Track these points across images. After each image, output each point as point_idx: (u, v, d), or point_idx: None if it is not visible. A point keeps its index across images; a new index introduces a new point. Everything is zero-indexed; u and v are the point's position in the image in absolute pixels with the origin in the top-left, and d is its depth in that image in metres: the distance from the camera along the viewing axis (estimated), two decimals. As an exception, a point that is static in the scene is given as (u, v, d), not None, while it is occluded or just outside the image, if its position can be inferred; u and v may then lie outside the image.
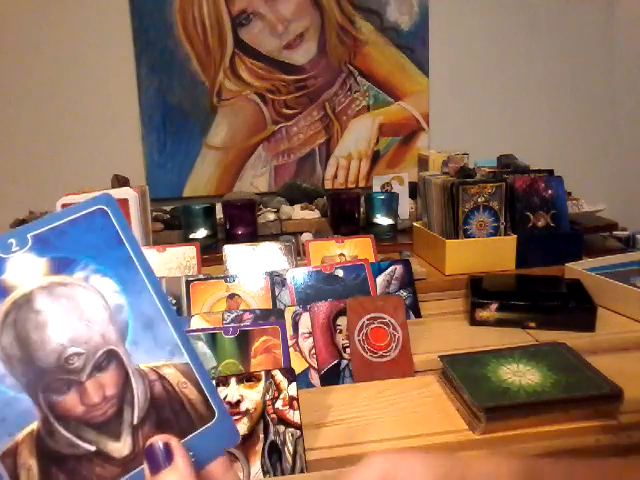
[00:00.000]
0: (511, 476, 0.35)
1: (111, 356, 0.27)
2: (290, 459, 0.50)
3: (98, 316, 0.27)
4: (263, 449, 0.51)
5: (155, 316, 0.28)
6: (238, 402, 0.52)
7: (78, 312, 0.27)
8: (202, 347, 0.61)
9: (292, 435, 0.51)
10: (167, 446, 0.25)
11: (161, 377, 0.27)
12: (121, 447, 0.26)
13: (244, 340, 0.62)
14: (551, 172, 1.07)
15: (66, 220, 0.28)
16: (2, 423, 0.24)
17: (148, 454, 0.25)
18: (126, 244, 0.28)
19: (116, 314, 0.27)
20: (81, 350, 0.27)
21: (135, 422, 0.26)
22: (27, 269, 0.26)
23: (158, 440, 0.25)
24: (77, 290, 0.27)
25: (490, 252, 0.95)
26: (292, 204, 1.44)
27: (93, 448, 0.25)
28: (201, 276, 0.80)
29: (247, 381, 0.53)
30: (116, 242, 0.28)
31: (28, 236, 0.27)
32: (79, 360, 0.27)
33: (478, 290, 0.82)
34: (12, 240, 0.27)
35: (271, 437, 0.51)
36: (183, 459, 0.25)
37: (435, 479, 0.35)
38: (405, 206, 1.37)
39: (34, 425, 0.25)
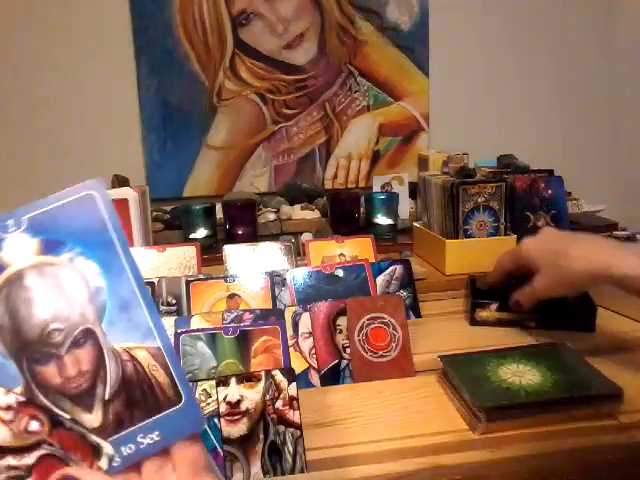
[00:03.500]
0: None
1: (88, 334, 0.29)
2: (290, 459, 0.50)
3: (79, 296, 0.29)
4: (263, 449, 0.51)
5: (131, 300, 0.29)
6: (238, 402, 0.52)
7: (62, 291, 0.29)
8: (202, 347, 0.61)
9: (292, 435, 0.51)
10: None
11: (133, 358, 0.29)
12: (92, 419, 0.28)
13: (244, 340, 0.62)
14: (551, 172, 1.07)
15: (58, 204, 0.30)
16: None
17: None
18: (110, 229, 0.30)
19: (95, 295, 0.30)
20: (62, 326, 0.29)
21: (106, 397, 0.29)
22: (21, 248, 0.29)
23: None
24: (62, 270, 0.29)
25: (490, 252, 0.94)
26: (292, 204, 1.44)
27: (68, 417, 0.28)
28: (201, 276, 0.80)
29: (247, 381, 0.53)
30: (101, 227, 0.30)
31: (24, 218, 0.29)
32: (59, 335, 0.29)
33: (478, 290, 0.82)
34: (10, 221, 0.29)
35: (271, 437, 0.51)
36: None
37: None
38: (405, 206, 1.37)
39: (18, 389, 0.28)
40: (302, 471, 0.50)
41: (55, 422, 0.27)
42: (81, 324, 0.29)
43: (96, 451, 0.27)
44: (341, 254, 0.88)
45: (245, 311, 0.69)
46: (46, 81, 1.50)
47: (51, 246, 0.29)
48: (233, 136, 1.58)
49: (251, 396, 0.52)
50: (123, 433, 0.28)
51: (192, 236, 1.23)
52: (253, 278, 0.78)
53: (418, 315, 0.83)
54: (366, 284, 0.79)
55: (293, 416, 0.52)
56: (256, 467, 0.50)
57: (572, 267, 0.64)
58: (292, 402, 0.53)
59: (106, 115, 1.54)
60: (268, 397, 0.52)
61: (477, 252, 0.95)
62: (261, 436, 0.51)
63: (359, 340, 0.66)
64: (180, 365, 0.30)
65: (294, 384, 0.53)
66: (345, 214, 1.28)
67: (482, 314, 0.79)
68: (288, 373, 0.54)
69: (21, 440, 0.26)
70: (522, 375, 0.59)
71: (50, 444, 0.27)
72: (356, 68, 1.61)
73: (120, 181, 1.23)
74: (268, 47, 1.55)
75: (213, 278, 0.78)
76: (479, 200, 0.94)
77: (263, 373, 0.53)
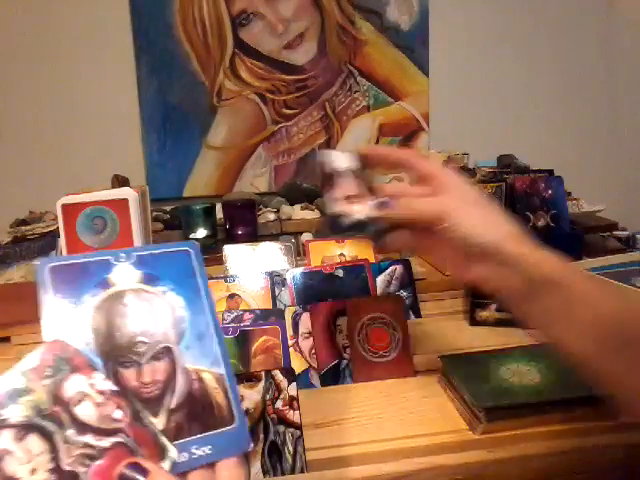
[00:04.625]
0: None
1: (167, 351, 0.35)
2: (290, 459, 0.51)
3: (165, 320, 0.36)
4: (263, 449, 0.51)
5: (206, 332, 0.36)
6: (238, 402, 0.52)
7: (152, 313, 0.36)
8: (202, 347, 0.61)
9: (292, 435, 0.51)
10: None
11: (200, 379, 0.34)
12: (157, 423, 0.32)
13: (244, 340, 0.62)
14: (551, 172, 1.07)
15: (162, 251, 0.38)
16: None
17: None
18: (198, 276, 0.38)
19: (178, 322, 0.36)
20: (146, 340, 0.35)
21: (172, 406, 0.33)
22: (127, 275, 0.37)
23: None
24: (155, 298, 0.37)
25: (490, 252, 0.94)
26: (292, 204, 1.44)
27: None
28: (201, 276, 0.80)
29: (247, 381, 0.53)
30: (191, 273, 0.38)
31: (134, 254, 0.37)
32: (143, 347, 0.35)
33: (478, 290, 0.82)
34: (122, 255, 0.37)
35: (271, 437, 0.51)
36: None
37: None
38: (405, 206, 1.36)
39: None
40: (302, 471, 0.50)
41: (135, 417, 0.31)
42: (163, 342, 0.35)
43: (162, 452, 0.31)
44: (341, 254, 0.88)
45: (245, 311, 0.69)
46: (46, 81, 1.50)
47: (150, 279, 0.37)
48: (233, 136, 1.58)
49: (251, 396, 0.52)
50: (180, 441, 0.32)
51: (192, 236, 1.23)
52: (253, 278, 0.78)
53: (418, 315, 0.83)
54: (366, 284, 0.79)
55: (293, 416, 0.52)
56: (256, 467, 0.50)
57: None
58: (292, 402, 0.53)
59: (106, 115, 1.54)
60: (268, 397, 0.52)
61: (477, 252, 0.94)
62: (261, 436, 0.51)
63: (359, 340, 0.66)
64: (238, 391, 0.35)
65: (294, 384, 0.53)
66: (345, 214, 1.28)
67: (482, 314, 0.79)
68: (288, 373, 0.54)
69: (104, 423, 0.30)
70: (522, 375, 0.59)
71: (127, 434, 0.30)
72: (356, 68, 1.61)
73: (120, 181, 1.23)
74: (268, 47, 1.55)
75: (213, 278, 0.78)
76: (479, 200, 0.94)
77: (263, 373, 0.53)
